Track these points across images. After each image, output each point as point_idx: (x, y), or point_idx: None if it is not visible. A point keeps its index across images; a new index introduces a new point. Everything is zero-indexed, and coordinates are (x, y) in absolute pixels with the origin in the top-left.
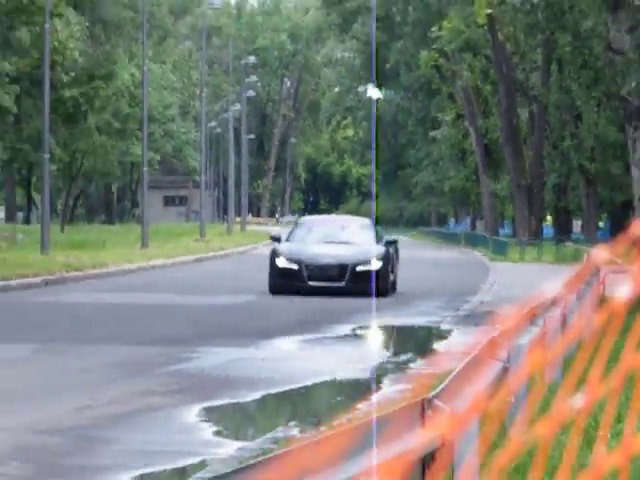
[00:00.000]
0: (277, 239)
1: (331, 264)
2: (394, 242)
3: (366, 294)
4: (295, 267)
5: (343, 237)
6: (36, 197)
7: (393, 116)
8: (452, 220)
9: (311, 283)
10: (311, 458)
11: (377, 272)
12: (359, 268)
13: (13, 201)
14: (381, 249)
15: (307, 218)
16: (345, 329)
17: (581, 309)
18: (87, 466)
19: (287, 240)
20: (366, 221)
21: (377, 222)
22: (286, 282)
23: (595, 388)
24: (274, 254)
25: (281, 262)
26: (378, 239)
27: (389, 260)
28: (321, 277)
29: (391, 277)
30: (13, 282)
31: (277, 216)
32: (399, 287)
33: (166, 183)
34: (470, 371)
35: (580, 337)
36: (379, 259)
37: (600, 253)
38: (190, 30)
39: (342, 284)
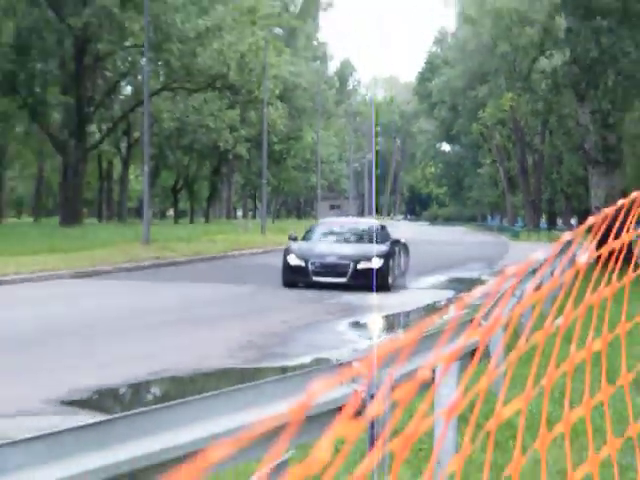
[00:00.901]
0: (294, 238)
1: (334, 262)
2: (398, 241)
3: (367, 289)
4: (302, 264)
5: (348, 237)
6: (258, 204)
7: (458, 161)
8: (489, 218)
9: (315, 279)
10: (406, 349)
11: (378, 270)
12: (360, 266)
13: (246, 206)
14: (383, 248)
15: (323, 220)
16: (431, 281)
17: (560, 267)
18: (285, 354)
19: (302, 239)
20: (373, 222)
21: (448, 220)
22: (295, 277)
23: (569, 313)
24: (287, 252)
25: (292, 259)
26: (383, 239)
27: (390, 259)
28: (324, 273)
29: (397, 272)
30: (244, 251)
31: (392, 215)
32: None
33: (330, 197)
34: (499, 302)
35: (560, 284)
36: (380, 257)
37: (569, 235)
38: (344, 113)
39: (344, 280)
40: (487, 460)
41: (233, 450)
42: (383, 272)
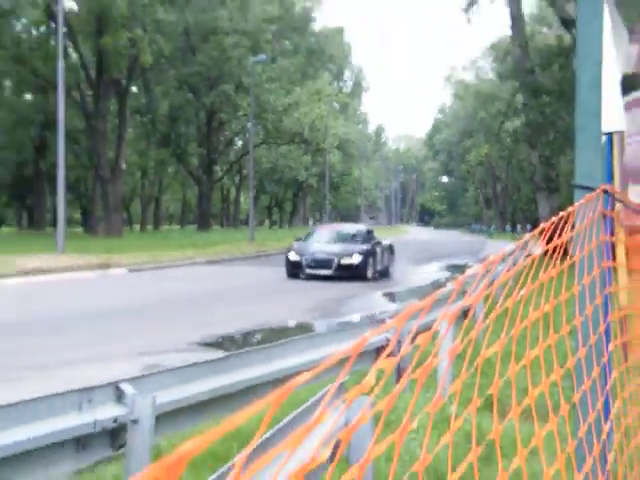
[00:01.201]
0: (299, 239)
1: (322, 258)
2: (380, 243)
3: (349, 279)
4: (299, 259)
5: (337, 238)
6: (323, 215)
7: (453, 188)
8: (473, 225)
9: (308, 271)
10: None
11: (357, 264)
12: (343, 261)
13: (315, 217)
14: (363, 247)
15: (320, 226)
16: (434, 266)
17: (522, 256)
18: (339, 312)
19: (303, 240)
20: (360, 227)
21: (446, 226)
22: (294, 270)
23: (528, 287)
24: (289, 250)
25: (291, 255)
26: (366, 240)
27: (369, 256)
28: (315, 267)
29: (378, 267)
30: None
31: (409, 223)
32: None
33: (369, 211)
34: (483, 280)
35: (522, 267)
36: (360, 254)
37: (527, 236)
38: (379, 157)
39: (330, 272)
40: (476, 383)
41: (312, 375)
42: (361, 266)
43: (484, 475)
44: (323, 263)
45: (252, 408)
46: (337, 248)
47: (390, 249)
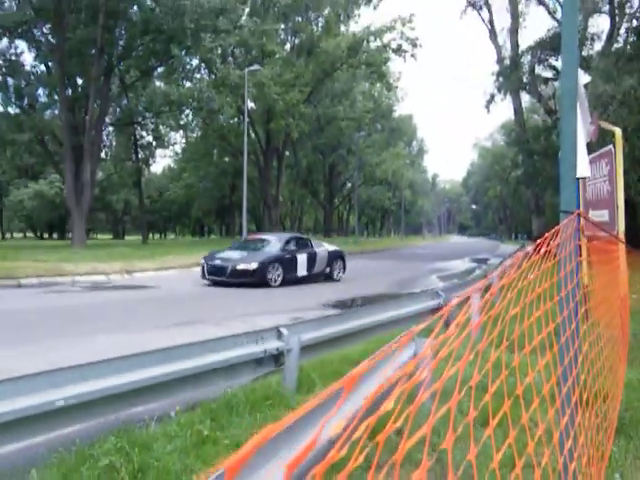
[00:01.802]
0: (234, 244)
1: (218, 264)
2: (297, 251)
3: (244, 285)
4: (204, 264)
5: (251, 246)
6: (400, 229)
7: (478, 212)
8: (490, 235)
9: (208, 276)
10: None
11: (254, 270)
12: (239, 267)
13: (395, 230)
14: (267, 255)
15: (250, 234)
16: (464, 260)
17: (524, 257)
18: (410, 286)
19: (228, 249)
20: (286, 235)
21: (474, 235)
22: (203, 275)
23: (534, 274)
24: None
25: (202, 261)
26: (283, 249)
27: (273, 263)
28: (213, 272)
29: (302, 272)
30: (397, 247)
31: (452, 234)
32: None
33: (428, 227)
34: (501, 269)
35: (531, 263)
36: (258, 262)
37: (529, 244)
38: (434, 194)
39: (224, 278)
40: (504, 332)
41: (422, 326)
42: (259, 272)
43: (509, 386)
44: (219, 270)
45: (372, 344)
46: (239, 255)
47: (333, 255)
